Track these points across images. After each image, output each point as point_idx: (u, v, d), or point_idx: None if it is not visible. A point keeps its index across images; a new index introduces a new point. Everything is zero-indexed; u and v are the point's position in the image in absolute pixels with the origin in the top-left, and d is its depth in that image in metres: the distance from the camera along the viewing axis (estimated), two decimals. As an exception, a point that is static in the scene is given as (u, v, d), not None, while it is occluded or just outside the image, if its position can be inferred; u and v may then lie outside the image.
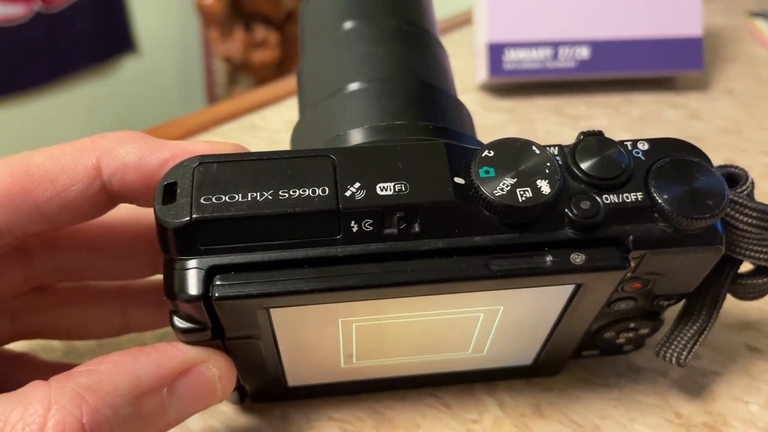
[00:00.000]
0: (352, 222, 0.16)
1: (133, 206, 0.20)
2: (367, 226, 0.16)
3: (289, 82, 0.48)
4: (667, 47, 0.42)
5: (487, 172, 0.17)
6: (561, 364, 0.23)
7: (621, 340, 0.22)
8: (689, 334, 0.21)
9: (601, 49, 0.42)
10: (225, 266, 0.16)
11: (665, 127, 0.39)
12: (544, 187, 0.16)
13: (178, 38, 1.44)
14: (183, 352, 0.18)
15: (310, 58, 0.24)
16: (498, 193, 0.16)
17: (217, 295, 0.16)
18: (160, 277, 0.23)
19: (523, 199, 0.16)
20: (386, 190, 0.16)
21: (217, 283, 0.16)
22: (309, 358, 0.21)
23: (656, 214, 0.17)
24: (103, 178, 0.18)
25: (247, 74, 1.26)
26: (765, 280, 0.20)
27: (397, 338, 0.20)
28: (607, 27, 0.42)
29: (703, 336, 0.21)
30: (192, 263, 0.16)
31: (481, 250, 0.17)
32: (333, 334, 0.19)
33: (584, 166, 0.17)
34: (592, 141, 0.18)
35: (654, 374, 0.24)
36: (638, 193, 0.17)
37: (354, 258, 0.16)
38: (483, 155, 0.17)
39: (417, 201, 0.16)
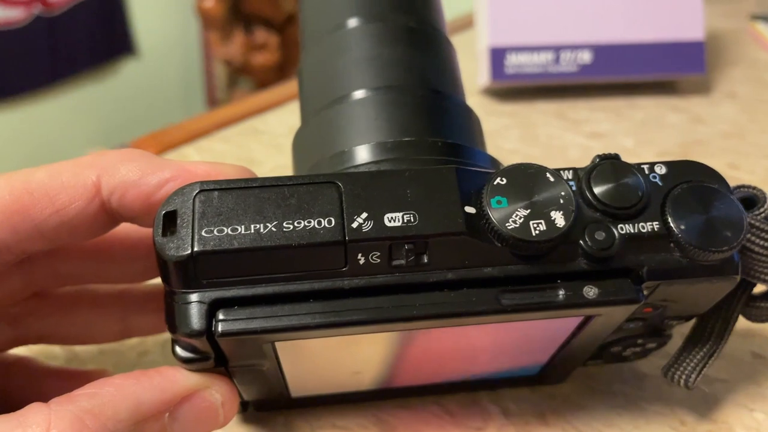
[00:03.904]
0: (359, 254, 0.15)
1: None
2: (375, 258, 0.16)
3: (291, 85, 0.48)
4: (669, 51, 0.42)
5: (499, 202, 0.16)
6: (566, 375, 0.23)
7: (627, 353, 0.22)
8: (698, 357, 0.21)
9: (603, 52, 0.42)
10: (228, 300, 0.15)
11: (668, 131, 0.39)
12: (558, 219, 0.16)
13: (178, 41, 1.44)
14: (186, 378, 0.17)
15: (311, 56, 0.23)
16: (510, 225, 0.16)
17: (220, 331, 0.15)
18: (159, 281, 0.23)
19: (537, 232, 0.16)
20: (394, 221, 0.16)
21: (220, 318, 0.15)
22: (314, 377, 0.21)
23: (672, 245, 0.17)
24: (102, 196, 0.17)
25: (247, 77, 1.26)
26: None
27: (405, 355, 0.20)
28: (609, 31, 0.42)
29: (712, 358, 0.20)
30: (194, 297, 0.15)
31: (491, 281, 0.16)
32: (340, 356, 0.19)
33: (599, 193, 0.17)
34: (608, 166, 0.17)
35: (659, 381, 0.24)
36: (654, 223, 0.17)
37: (361, 291, 0.16)
38: (495, 183, 0.16)
39: (426, 232, 0.16)
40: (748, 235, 0.18)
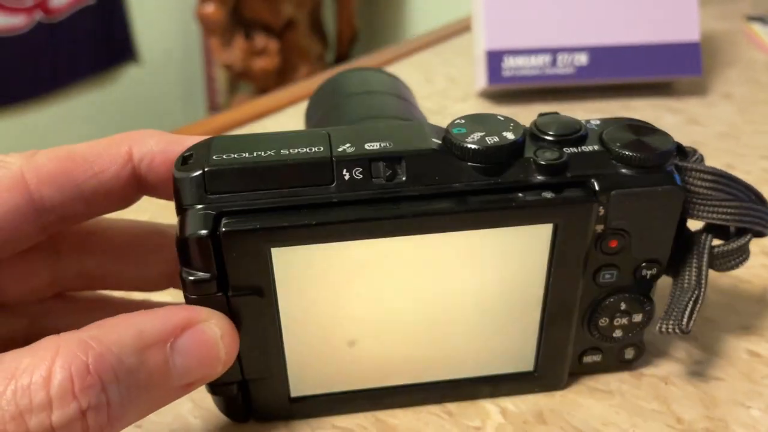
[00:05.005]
0: (344, 170, 0.19)
1: (157, 224, 0.24)
2: (357, 174, 0.19)
3: (290, 91, 0.49)
4: (664, 53, 0.42)
5: (459, 130, 0.20)
6: (563, 372, 0.23)
7: (618, 333, 0.23)
8: (683, 303, 0.22)
9: (599, 55, 0.42)
10: (232, 211, 0.18)
11: (664, 132, 0.40)
12: (510, 135, 0.19)
13: (179, 46, 1.44)
14: (186, 310, 0.19)
15: (317, 116, 0.29)
16: (469, 140, 0.19)
17: (224, 229, 0.18)
18: (172, 299, 0.24)
19: (491, 142, 0.19)
20: (373, 146, 0.19)
21: (224, 221, 0.18)
22: (310, 344, 0.21)
23: (614, 161, 0.20)
24: (134, 162, 0.20)
25: (247, 82, 1.27)
26: (737, 243, 0.22)
27: (395, 318, 0.21)
28: (605, 33, 0.42)
29: (698, 304, 0.22)
30: (203, 208, 0.18)
31: (460, 194, 0.19)
32: (335, 308, 0.21)
33: (545, 129, 0.20)
34: (550, 116, 0.21)
35: (656, 380, 0.24)
36: (595, 146, 0.20)
37: (347, 202, 0.19)
38: (455, 122, 0.20)
39: (400, 150, 0.19)
40: (690, 179, 0.21)
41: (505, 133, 0.19)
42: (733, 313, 0.27)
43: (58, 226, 0.20)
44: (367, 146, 0.19)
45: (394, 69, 0.53)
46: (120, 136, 0.21)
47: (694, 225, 0.22)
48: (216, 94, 1.36)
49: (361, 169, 0.19)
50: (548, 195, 0.19)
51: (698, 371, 0.24)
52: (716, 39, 0.50)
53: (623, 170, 0.20)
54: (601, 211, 0.20)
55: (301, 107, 0.46)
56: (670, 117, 0.41)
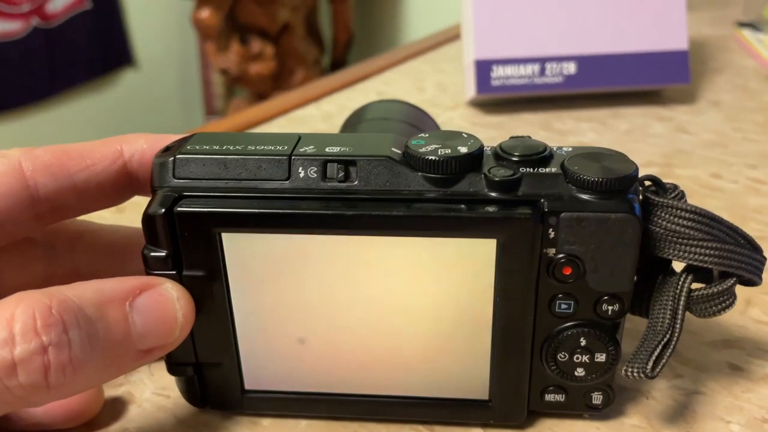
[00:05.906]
0: (300, 168, 0.20)
1: (141, 228, 0.23)
2: (312, 173, 0.20)
3: (284, 98, 0.49)
4: (653, 61, 0.42)
5: (418, 142, 0.20)
6: (521, 405, 0.23)
7: (580, 372, 0.22)
8: (652, 346, 0.20)
9: (588, 64, 0.42)
10: (192, 195, 0.20)
11: (652, 140, 0.40)
12: (463, 149, 0.20)
13: (175, 51, 1.45)
14: (143, 277, 0.20)
15: None
16: (422, 150, 0.20)
17: (177, 209, 0.19)
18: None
19: (442, 153, 0.19)
20: (333, 150, 0.20)
21: (181, 202, 0.20)
22: (262, 336, 0.22)
23: (570, 184, 0.19)
24: (124, 158, 0.22)
25: (244, 86, 1.27)
26: (717, 288, 0.20)
27: (344, 320, 0.22)
28: (594, 42, 0.42)
29: (669, 349, 0.20)
30: (168, 189, 0.20)
31: (406, 201, 0.20)
32: (284, 298, 0.21)
33: (508, 149, 0.20)
34: (519, 138, 0.21)
35: (637, 395, 0.24)
36: (554, 168, 0.20)
37: (298, 197, 0.20)
38: (418, 136, 0.20)
39: (356, 155, 0.20)
40: (668, 216, 0.20)
41: (459, 147, 0.20)
42: (715, 327, 0.27)
43: (52, 218, 0.22)
44: (327, 149, 0.20)
45: (387, 77, 0.53)
46: (112, 137, 0.22)
47: (679, 267, 0.22)
48: (213, 99, 1.36)
49: (315, 169, 0.20)
50: (491, 209, 0.19)
51: (679, 385, 0.25)
52: (706, 45, 0.50)
53: (579, 194, 0.19)
54: (552, 234, 0.19)
55: (297, 114, 0.47)
56: (659, 125, 0.41)
